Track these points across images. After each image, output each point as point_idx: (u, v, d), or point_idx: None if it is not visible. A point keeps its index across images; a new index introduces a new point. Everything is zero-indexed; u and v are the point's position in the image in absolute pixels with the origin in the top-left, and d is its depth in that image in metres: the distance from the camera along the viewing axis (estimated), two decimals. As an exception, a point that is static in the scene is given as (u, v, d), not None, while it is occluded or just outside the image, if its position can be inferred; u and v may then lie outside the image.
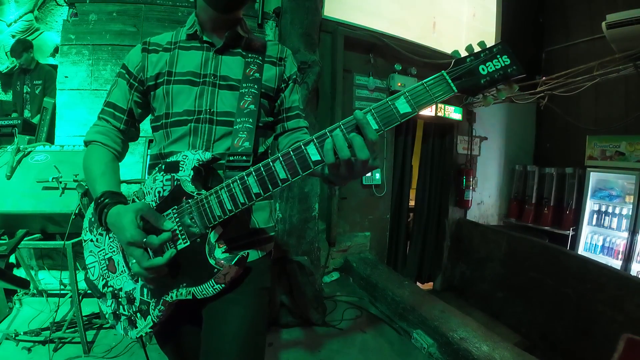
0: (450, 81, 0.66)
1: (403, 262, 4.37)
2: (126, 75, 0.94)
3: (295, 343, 2.34)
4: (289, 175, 0.70)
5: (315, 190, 2.85)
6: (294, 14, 2.91)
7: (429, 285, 4.77)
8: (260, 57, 0.95)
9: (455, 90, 0.65)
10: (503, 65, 0.66)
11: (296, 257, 2.61)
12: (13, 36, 3.38)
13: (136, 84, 0.94)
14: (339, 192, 3.41)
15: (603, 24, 3.13)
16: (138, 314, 0.82)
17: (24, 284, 1.76)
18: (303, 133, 1.01)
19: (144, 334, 0.82)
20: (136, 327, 0.82)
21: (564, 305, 3.27)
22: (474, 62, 0.66)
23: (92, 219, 0.91)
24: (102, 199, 0.81)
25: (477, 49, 0.67)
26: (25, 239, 1.93)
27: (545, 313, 3.42)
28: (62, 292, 2.38)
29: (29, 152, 2.17)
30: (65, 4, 3.19)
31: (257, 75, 0.92)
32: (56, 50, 3.35)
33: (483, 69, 0.66)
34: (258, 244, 0.94)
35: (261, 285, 0.92)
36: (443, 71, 0.66)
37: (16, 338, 2.06)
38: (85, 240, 0.91)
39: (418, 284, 4.47)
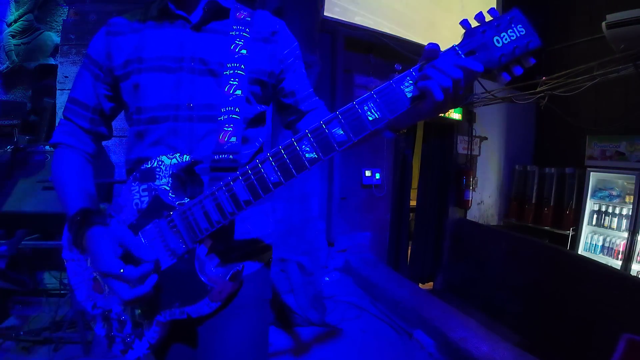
0: (463, 56, 0.57)
1: (403, 262, 4.37)
2: (90, 66, 0.80)
3: (295, 343, 2.33)
4: (281, 179, 0.61)
5: (315, 190, 2.85)
6: (294, 14, 2.91)
7: (429, 285, 4.77)
8: (247, 31, 0.79)
9: None
10: (518, 36, 0.56)
11: (296, 257, 2.60)
12: (13, 36, 3.38)
13: (102, 75, 0.80)
14: (339, 192, 3.41)
15: (603, 24, 3.13)
16: (132, 336, 0.75)
17: (23, 284, 1.76)
18: (323, 112, 0.87)
19: (141, 356, 0.76)
20: (132, 349, 0.75)
21: (564, 305, 3.27)
22: (487, 33, 0.56)
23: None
24: (77, 217, 0.71)
25: (487, 17, 0.58)
26: (25, 239, 1.93)
27: (545, 313, 3.41)
28: (62, 292, 2.38)
29: (29, 152, 2.17)
30: (65, 4, 3.19)
31: (243, 52, 0.77)
32: (56, 50, 3.35)
33: (497, 41, 0.56)
34: (255, 255, 0.83)
35: (261, 298, 0.84)
36: (454, 45, 0.57)
37: (16, 338, 2.06)
38: (66, 260, 0.80)
39: (418, 284, 4.47)
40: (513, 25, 0.56)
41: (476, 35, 0.57)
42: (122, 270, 0.64)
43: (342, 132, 0.59)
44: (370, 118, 0.58)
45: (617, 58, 3.19)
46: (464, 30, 0.58)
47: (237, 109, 0.74)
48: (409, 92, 0.59)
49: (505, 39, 0.56)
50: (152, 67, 0.75)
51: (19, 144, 2.21)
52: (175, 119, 0.75)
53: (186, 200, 0.70)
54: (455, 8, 4.19)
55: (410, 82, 0.59)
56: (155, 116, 0.75)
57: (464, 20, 0.58)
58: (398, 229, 4.22)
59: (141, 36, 0.77)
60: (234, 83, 0.75)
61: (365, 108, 0.58)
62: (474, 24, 0.59)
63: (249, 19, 0.81)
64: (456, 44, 0.58)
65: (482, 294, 4.19)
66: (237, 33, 0.78)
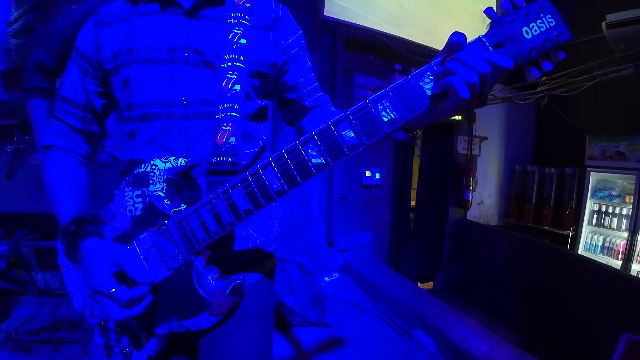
0: (490, 49, 0.51)
1: (403, 262, 4.37)
2: (78, 60, 0.74)
3: (295, 343, 2.33)
4: (285, 186, 0.56)
5: (315, 190, 2.85)
6: (294, 13, 2.91)
7: (429, 285, 4.77)
8: (246, 18, 0.72)
9: None
10: (548, 27, 0.50)
11: (296, 257, 2.61)
12: (13, 36, 3.38)
13: (91, 69, 0.74)
14: (339, 192, 3.41)
15: (603, 24, 3.13)
16: (131, 347, 0.71)
17: (23, 284, 1.76)
18: (331, 108, 0.81)
19: None
20: None
21: (564, 305, 3.27)
22: (516, 23, 0.50)
23: None
24: (70, 227, 0.67)
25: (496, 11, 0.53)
26: (25, 238, 1.93)
27: (545, 313, 3.41)
28: (62, 292, 2.38)
29: (29, 152, 2.17)
30: (65, 4, 3.20)
31: (242, 41, 0.70)
32: (56, 50, 3.35)
33: (527, 32, 0.50)
34: (257, 264, 0.78)
35: (265, 308, 0.80)
36: (480, 35, 0.51)
37: (16, 338, 2.06)
38: (62, 267, 0.76)
39: (418, 284, 4.47)
40: (542, 15, 0.50)
41: (504, 25, 0.51)
42: (113, 290, 0.61)
43: (353, 134, 0.53)
44: (385, 119, 0.52)
45: (617, 58, 3.20)
46: (489, 20, 0.52)
47: (236, 106, 0.69)
48: (429, 89, 0.52)
49: (535, 30, 0.50)
50: (142, 58, 0.69)
51: (19, 144, 2.21)
52: (169, 116, 0.69)
53: (183, 207, 0.65)
54: (455, 8, 4.19)
55: (430, 77, 0.53)
56: (147, 113, 0.69)
57: (488, 8, 0.52)
58: (398, 229, 4.22)
59: (131, 25, 0.70)
60: (233, 77, 0.69)
61: (380, 107, 0.52)
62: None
63: (249, 4, 0.74)
64: (482, 34, 0.52)
65: (482, 294, 4.19)
66: (236, 20, 0.71)
